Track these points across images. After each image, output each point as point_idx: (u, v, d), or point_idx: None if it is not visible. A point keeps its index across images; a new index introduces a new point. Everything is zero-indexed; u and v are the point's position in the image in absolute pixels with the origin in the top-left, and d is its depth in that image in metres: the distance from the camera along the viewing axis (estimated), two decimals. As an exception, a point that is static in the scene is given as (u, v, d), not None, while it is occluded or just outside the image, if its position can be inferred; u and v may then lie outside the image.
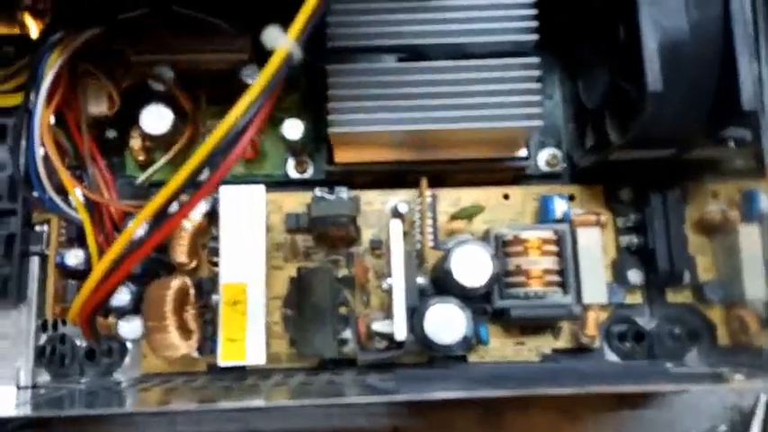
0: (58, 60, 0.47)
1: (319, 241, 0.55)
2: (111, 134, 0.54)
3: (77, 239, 0.49)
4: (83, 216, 0.48)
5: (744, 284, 0.51)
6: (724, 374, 0.44)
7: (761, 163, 0.42)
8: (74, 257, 0.47)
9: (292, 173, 0.58)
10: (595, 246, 0.52)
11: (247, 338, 0.46)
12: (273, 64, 0.35)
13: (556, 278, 0.51)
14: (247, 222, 0.48)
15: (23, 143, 0.49)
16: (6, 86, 0.51)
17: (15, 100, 0.51)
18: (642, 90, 0.43)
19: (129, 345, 0.54)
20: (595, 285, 0.51)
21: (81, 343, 0.54)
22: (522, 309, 0.50)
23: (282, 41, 0.35)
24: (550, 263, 0.51)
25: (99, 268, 0.37)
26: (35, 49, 0.47)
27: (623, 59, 0.47)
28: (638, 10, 0.43)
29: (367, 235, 0.56)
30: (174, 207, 0.37)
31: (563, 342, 0.54)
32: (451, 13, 0.50)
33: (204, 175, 0.37)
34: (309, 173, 0.58)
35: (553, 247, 0.51)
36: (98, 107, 0.51)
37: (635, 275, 0.54)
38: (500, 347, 0.54)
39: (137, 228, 0.36)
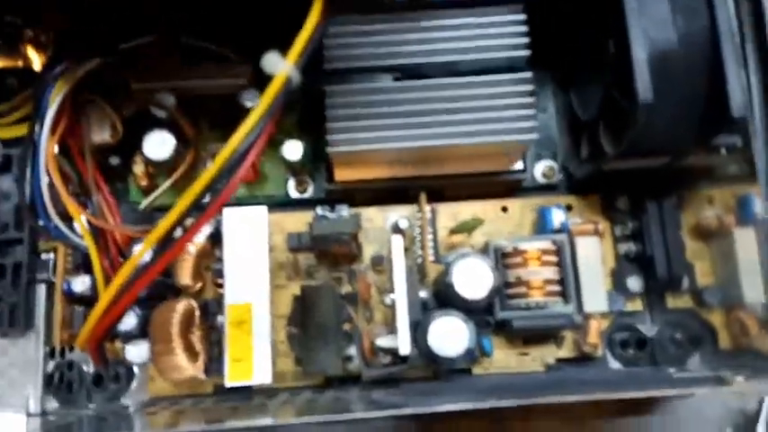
0: (62, 91, 0.48)
1: (321, 259, 0.56)
2: (114, 161, 0.55)
3: (83, 266, 0.50)
4: (88, 242, 0.48)
5: (742, 288, 0.51)
6: (726, 377, 0.45)
7: (751, 165, 0.43)
8: (80, 284, 0.48)
9: (293, 193, 0.58)
10: (594, 254, 0.52)
11: (253, 358, 0.46)
12: (273, 88, 0.36)
13: (556, 288, 0.51)
14: (250, 243, 0.49)
15: (28, 172, 0.49)
16: (10, 119, 0.52)
17: (19, 131, 0.52)
18: (634, 101, 0.44)
19: (135, 369, 0.55)
20: (595, 294, 0.52)
21: (88, 369, 0.54)
22: (523, 319, 0.51)
23: (282, 66, 0.36)
24: (550, 273, 0.51)
25: (107, 294, 0.38)
26: (39, 81, 0.48)
27: (615, 72, 0.48)
28: (628, 23, 0.44)
29: (368, 251, 0.57)
30: (178, 231, 0.38)
31: (566, 351, 0.54)
32: (445, 32, 0.51)
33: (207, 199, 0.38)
34: (310, 192, 0.59)
35: (552, 258, 0.52)
36: (101, 135, 0.52)
37: (634, 283, 0.55)
38: (504, 359, 0.54)
39: (143, 253, 0.36)
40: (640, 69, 0.43)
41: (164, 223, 0.36)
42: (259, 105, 0.36)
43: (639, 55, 0.44)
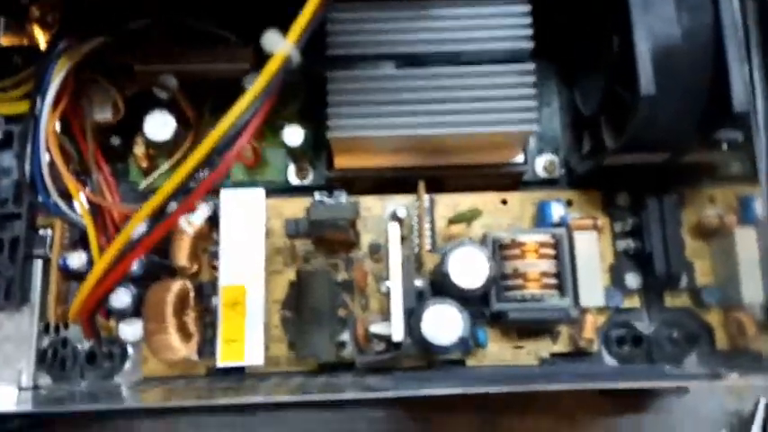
0: (64, 68, 0.48)
1: (318, 246, 0.56)
2: (115, 141, 0.56)
3: (80, 242, 0.50)
4: (86, 220, 0.48)
5: (741, 288, 0.51)
6: (720, 373, 0.44)
7: (754, 164, 0.43)
8: (76, 260, 0.48)
9: (293, 179, 0.59)
10: (592, 249, 0.52)
11: (246, 339, 0.46)
12: (272, 66, 0.36)
13: (553, 281, 0.51)
14: (247, 225, 0.49)
15: (29, 149, 0.50)
16: (13, 94, 0.52)
17: (22, 107, 0.52)
18: (636, 94, 0.44)
19: (129, 349, 0.55)
20: (592, 288, 0.51)
21: (82, 346, 0.54)
22: (519, 311, 0.50)
23: (281, 45, 0.36)
24: (548, 266, 0.51)
25: (99, 266, 0.38)
26: (42, 57, 0.49)
27: (618, 66, 0.48)
28: (632, 18, 0.44)
29: (366, 240, 0.57)
30: (172, 207, 0.38)
31: (561, 346, 0.54)
32: (448, 21, 0.51)
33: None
34: (310, 179, 0.59)
35: (550, 251, 0.52)
36: (103, 114, 0.52)
37: (633, 279, 0.55)
38: (498, 351, 0.54)
39: (135, 226, 0.36)
40: (643, 62, 0.43)
41: (157, 197, 0.36)
42: (257, 83, 0.36)
43: (643, 48, 0.44)
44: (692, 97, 0.44)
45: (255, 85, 0.36)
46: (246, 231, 0.48)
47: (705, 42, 0.44)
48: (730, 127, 0.43)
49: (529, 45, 0.50)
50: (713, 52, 0.44)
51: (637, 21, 0.44)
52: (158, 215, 0.37)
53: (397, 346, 0.47)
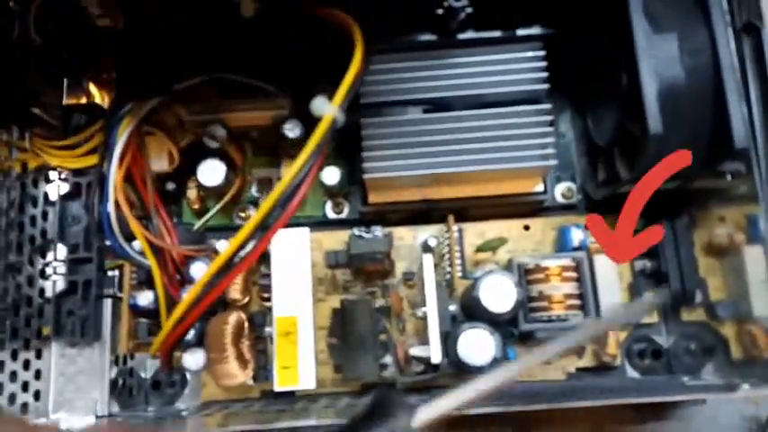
0: (126, 129, 0.54)
1: (357, 275, 0.61)
2: (170, 186, 0.61)
3: (146, 282, 0.56)
4: (150, 261, 0.54)
5: (751, 302, 0.54)
6: (735, 384, 0.48)
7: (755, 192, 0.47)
8: (145, 299, 0.54)
9: (330, 213, 0.64)
10: (611, 271, 0.56)
11: (299, 366, 0.51)
12: (321, 129, 0.41)
13: (576, 302, 0.55)
14: (295, 261, 0.54)
15: (96, 198, 0.55)
16: (78, 151, 0.58)
17: (87, 162, 0.58)
18: (645, 132, 0.48)
19: (188, 375, 0.60)
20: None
21: (146, 375, 0.60)
22: (546, 331, 0.55)
23: (328, 109, 0.41)
24: (570, 288, 0.55)
25: (179, 309, 0.43)
26: (106, 122, 0.54)
27: (627, 102, 0.52)
28: (638, 60, 0.48)
29: (400, 267, 0.61)
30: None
31: (586, 361, 0.58)
32: (470, 68, 0.56)
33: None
34: (345, 213, 0.64)
35: (572, 274, 0.56)
36: (160, 164, 0.58)
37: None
38: (527, 367, 0.58)
39: (212, 273, 0.41)
40: (650, 104, 0.47)
41: (228, 250, 0.41)
42: (309, 144, 0.41)
43: (649, 91, 0.47)
44: (697, 133, 0.48)
45: (308, 147, 0.41)
46: (295, 267, 0.53)
47: (706, 82, 0.48)
48: (733, 160, 0.48)
49: (545, 86, 0.55)
50: (714, 91, 0.48)
51: (642, 62, 0.48)
52: (228, 264, 0.41)
53: (436, 367, 0.52)
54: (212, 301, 0.42)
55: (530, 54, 0.56)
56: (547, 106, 0.55)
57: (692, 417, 0.58)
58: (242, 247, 0.41)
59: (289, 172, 0.40)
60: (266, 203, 0.40)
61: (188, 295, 0.42)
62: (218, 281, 0.41)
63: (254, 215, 0.41)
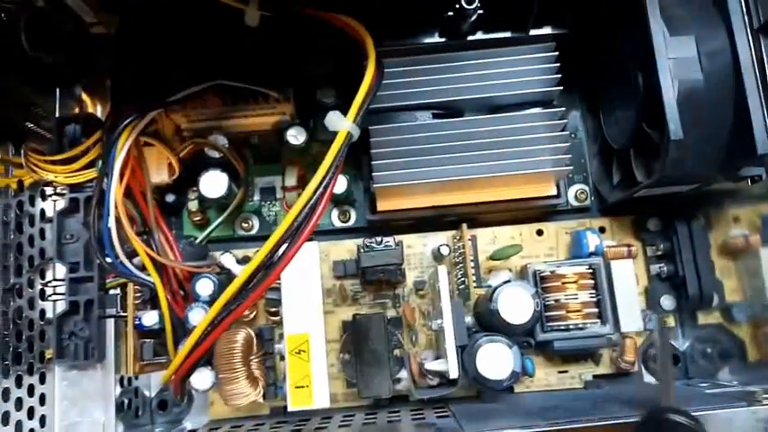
0: (126, 143, 0.51)
1: (366, 285, 0.59)
2: (170, 198, 0.59)
3: (150, 301, 0.54)
4: (154, 278, 0.52)
5: (768, 304, 0.54)
6: (756, 394, 0.47)
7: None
8: (150, 319, 0.52)
9: (336, 222, 0.62)
10: (629, 276, 0.55)
11: (313, 384, 0.50)
12: (337, 144, 0.39)
13: (593, 310, 0.54)
14: (305, 276, 0.52)
15: (95, 214, 0.53)
16: (75, 166, 0.55)
17: (83, 177, 0.55)
18: (664, 136, 0.47)
19: (194, 393, 0.59)
20: (631, 314, 0.54)
21: (150, 394, 0.58)
22: (563, 341, 0.54)
23: (343, 125, 0.39)
24: (587, 296, 0.54)
25: (195, 335, 0.41)
26: (104, 139, 0.52)
27: (644, 105, 0.50)
28: (657, 62, 0.47)
29: (410, 276, 0.60)
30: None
31: (603, 368, 0.57)
32: (481, 70, 0.54)
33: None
34: (352, 221, 0.62)
35: (589, 281, 0.55)
36: (160, 176, 0.55)
37: (668, 301, 0.58)
38: (544, 376, 0.57)
39: (228, 298, 0.40)
40: (671, 109, 0.46)
41: (244, 272, 0.39)
42: (326, 160, 0.39)
43: (669, 95, 0.46)
44: (717, 138, 0.47)
45: (325, 162, 0.39)
46: (304, 283, 0.52)
47: (726, 85, 0.47)
48: (753, 165, 0.46)
49: (557, 89, 0.53)
50: (734, 95, 0.46)
51: (661, 65, 0.47)
52: (245, 289, 0.40)
53: (454, 382, 0.50)
54: (228, 326, 0.40)
55: (542, 55, 0.54)
56: (560, 109, 0.53)
57: (708, 420, 0.57)
58: (261, 268, 0.39)
59: (307, 189, 0.38)
60: (285, 221, 0.38)
61: (202, 321, 0.40)
62: (235, 305, 0.40)
63: (273, 235, 0.39)
